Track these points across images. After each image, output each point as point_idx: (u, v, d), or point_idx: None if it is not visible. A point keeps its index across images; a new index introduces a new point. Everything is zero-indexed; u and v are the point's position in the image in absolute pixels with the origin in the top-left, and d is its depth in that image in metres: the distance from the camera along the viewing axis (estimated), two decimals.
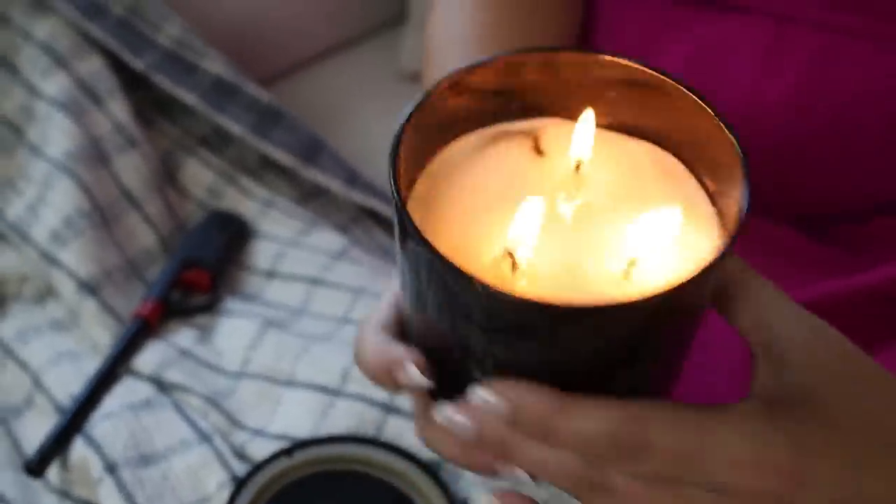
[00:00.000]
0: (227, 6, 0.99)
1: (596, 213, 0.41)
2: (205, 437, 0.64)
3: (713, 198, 0.41)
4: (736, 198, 0.38)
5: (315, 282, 0.76)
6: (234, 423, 0.66)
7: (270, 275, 0.77)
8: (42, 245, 0.74)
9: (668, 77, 0.40)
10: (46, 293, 0.75)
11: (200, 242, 0.78)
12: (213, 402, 0.67)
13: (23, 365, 0.70)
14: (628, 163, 0.42)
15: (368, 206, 0.82)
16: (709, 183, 0.41)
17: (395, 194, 0.37)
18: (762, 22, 0.62)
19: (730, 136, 0.39)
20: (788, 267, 0.64)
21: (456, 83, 0.41)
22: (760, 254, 0.65)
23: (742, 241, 0.67)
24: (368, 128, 0.99)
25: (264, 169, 0.85)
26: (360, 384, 0.66)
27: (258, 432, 0.65)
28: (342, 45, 1.07)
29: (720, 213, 0.40)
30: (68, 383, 0.68)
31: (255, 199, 0.82)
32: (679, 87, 0.40)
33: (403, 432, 0.64)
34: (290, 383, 0.68)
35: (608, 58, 0.41)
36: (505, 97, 0.42)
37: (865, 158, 0.64)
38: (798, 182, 0.66)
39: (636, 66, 0.41)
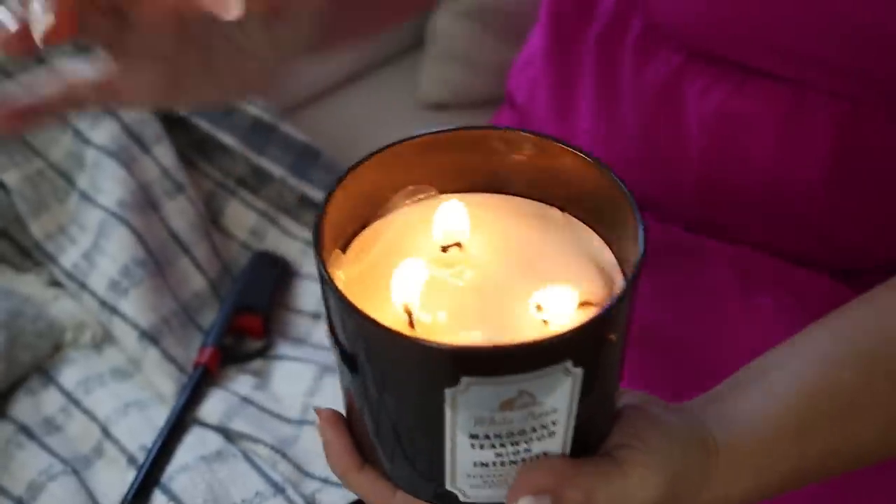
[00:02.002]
0: None
1: (492, 278, 0.45)
2: (278, 489, 0.67)
3: (617, 251, 0.46)
4: (636, 245, 0.41)
5: None
6: (302, 472, 0.69)
7: (317, 317, 0.80)
8: (100, 294, 0.76)
9: (564, 144, 0.45)
10: (104, 340, 0.77)
11: (250, 286, 0.80)
12: (280, 451, 0.70)
13: (90, 414, 0.72)
14: (527, 226, 0.47)
15: None
16: (612, 238, 0.46)
17: (319, 260, 0.41)
18: (782, 89, 0.65)
19: (619, 185, 0.43)
20: (824, 312, 0.68)
21: (374, 162, 0.46)
22: (798, 298, 0.69)
23: (778, 287, 0.70)
24: None
25: (302, 208, 0.87)
26: None
27: (326, 481, 0.69)
28: (360, 73, 1.09)
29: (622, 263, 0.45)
30: (138, 433, 0.70)
31: (296, 238, 0.85)
32: (570, 149, 0.45)
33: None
34: None
35: (515, 133, 0.46)
36: (431, 168, 0.47)
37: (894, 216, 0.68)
38: (829, 240, 0.70)
39: (540, 138, 0.46)
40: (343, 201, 0.44)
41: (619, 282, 0.45)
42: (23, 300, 0.77)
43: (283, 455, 0.70)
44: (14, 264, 0.81)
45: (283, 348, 0.77)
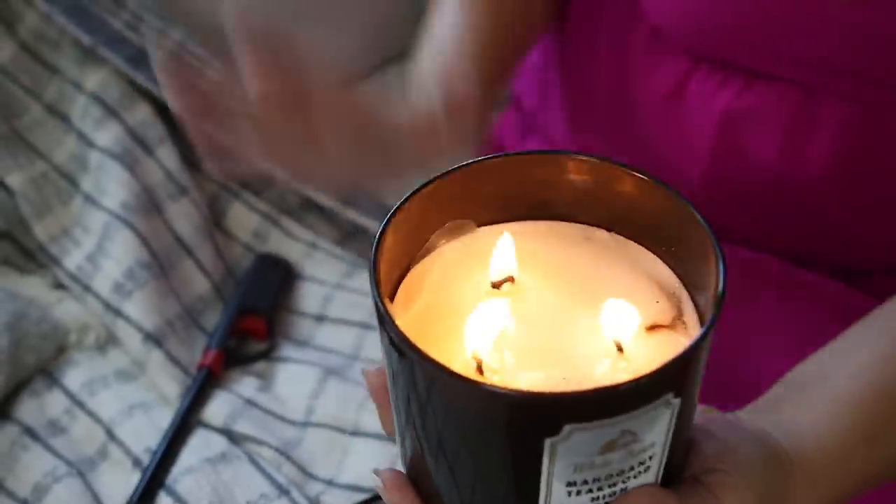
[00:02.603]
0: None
1: (549, 310, 0.43)
2: (283, 491, 0.67)
3: (687, 286, 0.43)
4: (712, 283, 0.39)
5: (366, 327, 0.79)
6: (306, 474, 0.70)
7: (320, 319, 0.81)
8: (105, 296, 0.76)
9: (635, 171, 0.43)
10: (108, 342, 0.77)
11: (253, 289, 0.80)
12: (284, 453, 0.70)
13: (94, 416, 0.72)
14: (576, 250, 0.45)
15: None
16: (668, 253, 0.44)
17: (380, 303, 0.38)
18: (789, 91, 0.65)
19: (702, 224, 0.40)
20: (830, 314, 0.67)
21: (429, 190, 0.42)
22: (805, 300, 0.69)
23: (783, 290, 0.70)
24: None
25: (305, 210, 0.87)
26: None
27: (330, 482, 0.69)
28: (362, 75, 1.09)
29: (695, 300, 0.43)
30: (142, 435, 0.71)
31: (298, 240, 0.85)
32: (648, 178, 0.42)
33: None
34: (355, 433, 0.71)
35: (556, 156, 0.44)
36: (471, 200, 0.45)
37: None
38: (834, 242, 0.70)
39: (605, 163, 0.43)
40: (389, 248, 0.41)
41: (685, 297, 0.42)
42: (27, 302, 0.77)
43: (288, 457, 0.70)
44: (18, 266, 0.81)
45: (287, 350, 0.78)
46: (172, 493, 0.66)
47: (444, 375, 0.36)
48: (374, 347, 0.78)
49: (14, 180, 0.81)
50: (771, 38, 0.64)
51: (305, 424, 0.72)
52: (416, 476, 0.43)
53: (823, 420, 0.49)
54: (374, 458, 0.69)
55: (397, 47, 1.12)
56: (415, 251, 0.44)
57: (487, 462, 0.39)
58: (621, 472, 0.39)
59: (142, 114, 0.83)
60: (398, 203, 0.41)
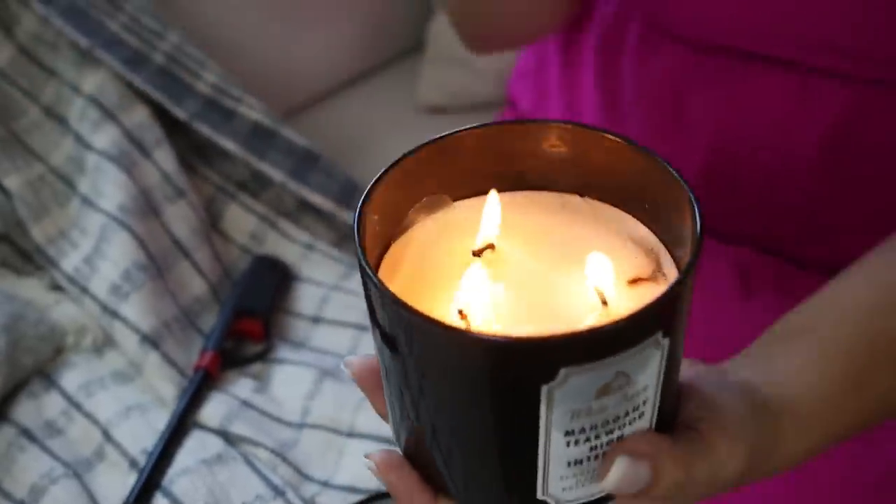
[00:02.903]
0: (243, 41, 1.02)
1: (532, 272, 0.43)
2: (278, 492, 0.67)
3: (665, 241, 0.44)
4: (689, 227, 0.40)
5: (361, 328, 0.79)
6: (302, 475, 0.70)
7: (316, 320, 0.81)
8: (102, 298, 0.76)
9: (606, 133, 0.43)
10: (105, 344, 0.77)
11: (250, 290, 0.81)
12: (280, 454, 0.70)
13: (91, 418, 0.72)
14: (552, 216, 0.46)
15: None
16: (643, 212, 0.44)
17: (361, 253, 0.39)
18: (789, 74, 0.66)
19: (673, 174, 0.41)
20: None
21: (404, 166, 0.43)
22: (795, 297, 0.70)
23: (777, 288, 0.71)
24: (385, 161, 1.02)
25: (302, 212, 0.88)
26: None
27: (325, 484, 0.69)
28: (360, 77, 1.10)
29: (673, 254, 0.44)
30: (139, 436, 0.71)
31: (295, 242, 0.86)
32: (619, 139, 0.43)
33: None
34: (351, 434, 0.72)
35: (551, 124, 0.45)
36: (445, 175, 0.45)
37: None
38: (828, 238, 0.70)
39: (576, 128, 0.44)
40: (371, 223, 0.42)
41: (662, 252, 0.43)
42: (24, 304, 0.77)
43: (284, 458, 0.70)
44: (15, 268, 0.81)
45: (283, 352, 0.78)
46: (168, 495, 0.67)
47: (437, 329, 0.36)
48: (370, 348, 0.78)
49: (11, 182, 0.81)
50: (771, 17, 0.64)
51: (301, 425, 0.73)
52: (412, 450, 0.43)
53: (811, 368, 0.49)
54: None
55: (398, 47, 1.12)
56: (394, 228, 0.44)
57: (484, 420, 0.39)
58: (617, 419, 0.39)
59: (139, 116, 0.83)
60: (375, 178, 0.42)
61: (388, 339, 0.39)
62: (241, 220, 0.86)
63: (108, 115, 0.82)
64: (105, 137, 0.82)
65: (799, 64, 0.65)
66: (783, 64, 0.66)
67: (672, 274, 0.43)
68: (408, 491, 0.43)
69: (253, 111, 0.88)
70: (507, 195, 0.46)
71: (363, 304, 0.79)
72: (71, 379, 0.75)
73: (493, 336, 0.37)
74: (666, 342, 0.38)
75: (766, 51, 0.66)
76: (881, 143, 0.66)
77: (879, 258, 0.55)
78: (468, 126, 0.44)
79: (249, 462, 0.69)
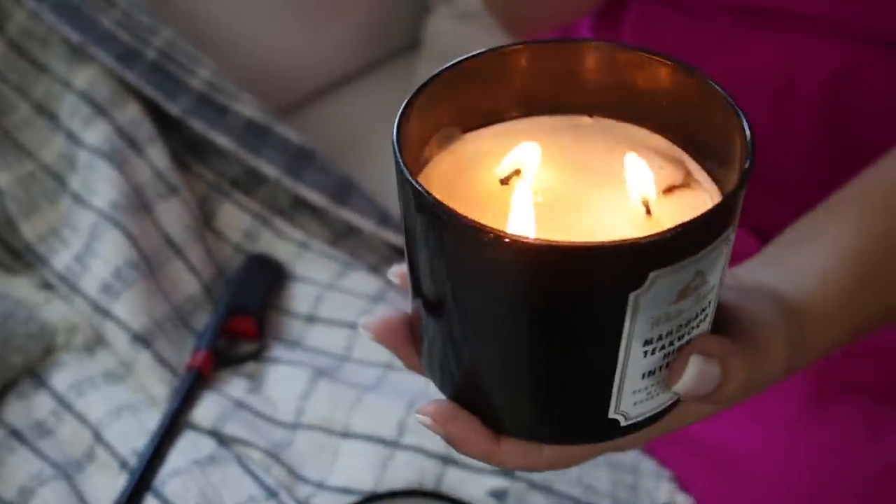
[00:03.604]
0: (238, 38, 1.01)
1: (564, 193, 0.42)
2: (271, 493, 0.66)
3: (690, 151, 0.43)
4: (736, 131, 0.39)
5: (356, 327, 0.78)
6: (296, 476, 0.69)
7: (311, 319, 0.80)
8: (93, 296, 0.75)
9: (654, 54, 0.42)
10: (96, 343, 0.76)
11: (243, 289, 0.80)
12: (273, 455, 0.69)
13: (81, 418, 0.71)
14: (567, 138, 0.45)
15: (401, 245, 0.84)
16: (716, 167, 0.43)
17: (403, 165, 0.37)
18: (786, 35, 0.65)
19: (725, 98, 0.40)
20: None
21: (452, 72, 0.42)
22: None
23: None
24: (382, 159, 1.01)
25: (296, 210, 0.86)
26: (417, 436, 0.69)
27: (320, 485, 0.68)
28: (356, 75, 1.09)
29: (700, 162, 0.43)
30: (130, 437, 0.70)
31: (289, 241, 0.84)
32: (666, 61, 0.42)
33: (462, 483, 0.67)
34: (345, 434, 0.70)
35: (598, 43, 0.44)
36: (499, 88, 0.44)
37: None
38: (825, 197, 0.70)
39: (646, 54, 0.43)
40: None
41: (688, 159, 0.43)
42: (14, 303, 0.76)
43: (277, 459, 0.69)
44: (5, 266, 0.80)
45: (277, 351, 0.77)
46: (160, 496, 0.66)
47: (516, 243, 0.34)
48: (364, 348, 0.77)
49: (1, 179, 0.80)
50: None
51: (295, 426, 0.71)
52: (465, 394, 0.41)
53: (828, 267, 0.50)
54: (365, 460, 0.68)
55: (394, 45, 1.11)
56: (413, 165, 0.42)
57: (560, 341, 0.38)
58: (688, 322, 0.38)
59: (131, 112, 0.82)
60: (399, 114, 0.41)
61: (438, 268, 0.37)
62: (234, 217, 0.85)
63: (100, 111, 0.81)
64: (97, 134, 0.80)
65: (795, 19, 0.65)
66: (780, 23, 0.65)
67: (703, 179, 0.42)
68: (471, 439, 0.41)
69: (247, 108, 0.87)
70: (515, 122, 0.45)
71: (358, 303, 0.80)
72: (61, 378, 0.74)
73: (583, 244, 0.34)
74: (732, 237, 0.37)
75: (764, 3, 0.65)
76: (879, 104, 0.66)
77: (887, 164, 0.55)
78: (463, 57, 0.43)
79: (242, 463, 0.68)
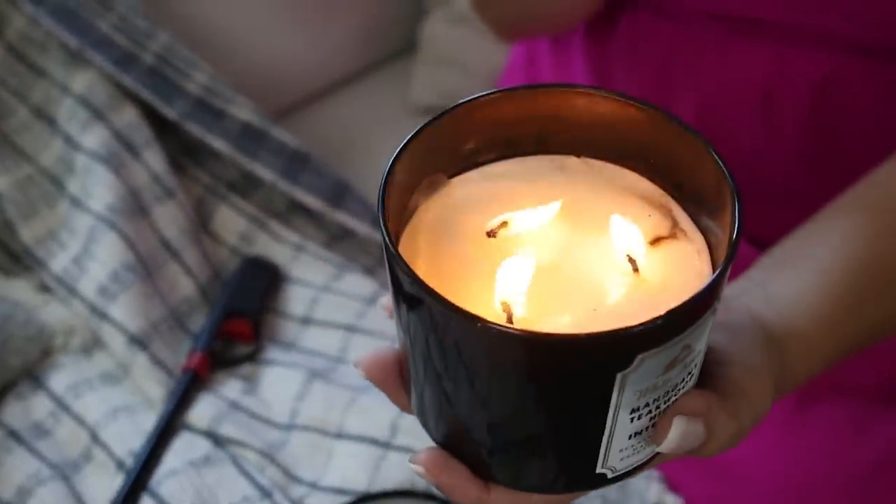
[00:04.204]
0: (234, 42, 1.01)
1: (548, 248, 0.42)
2: (266, 493, 0.67)
3: (707, 235, 0.43)
4: (726, 223, 0.40)
5: (351, 329, 0.79)
6: (290, 476, 0.69)
7: (306, 321, 0.81)
8: (90, 299, 0.76)
9: (658, 111, 0.42)
10: (93, 345, 0.77)
11: (239, 291, 0.80)
12: (268, 455, 0.70)
13: (78, 419, 0.72)
14: (552, 181, 0.44)
15: None
16: (702, 216, 0.43)
17: (390, 243, 0.38)
18: (770, 43, 0.66)
19: (717, 160, 0.40)
20: None
21: (412, 148, 0.42)
22: None
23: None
24: (378, 162, 1.01)
25: (292, 213, 0.87)
26: (410, 436, 0.70)
27: (314, 485, 0.69)
28: (352, 78, 1.09)
29: (710, 243, 0.43)
30: (127, 438, 0.71)
31: (285, 243, 0.85)
32: (669, 120, 0.42)
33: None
34: (339, 435, 0.71)
35: (600, 93, 0.44)
36: (483, 131, 0.44)
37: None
38: (811, 205, 0.70)
39: (627, 101, 0.43)
40: (390, 211, 0.40)
41: (673, 205, 0.43)
42: (12, 305, 0.77)
43: (272, 460, 0.70)
44: (4, 269, 0.81)
45: (273, 353, 0.78)
46: (156, 496, 0.66)
47: (506, 334, 0.35)
48: (359, 350, 0.78)
49: (0, 183, 0.81)
50: None
51: (290, 427, 0.72)
52: (453, 441, 0.42)
53: (812, 292, 0.50)
54: (359, 460, 0.69)
55: (391, 47, 1.12)
56: (401, 216, 0.43)
57: (548, 411, 0.39)
58: (675, 387, 0.39)
59: (128, 116, 0.83)
60: (386, 172, 0.40)
61: (429, 341, 0.38)
62: (231, 220, 0.86)
63: (98, 115, 0.82)
64: (94, 138, 0.81)
65: (778, 28, 0.65)
66: (764, 32, 0.66)
67: (689, 228, 0.42)
68: (462, 486, 0.42)
69: (243, 112, 0.87)
70: (501, 164, 0.45)
71: (353, 305, 0.80)
72: (59, 380, 0.75)
73: (572, 336, 0.35)
74: (718, 306, 0.38)
75: (747, 12, 0.66)
76: (866, 112, 0.66)
77: (873, 185, 0.55)
78: (456, 104, 0.43)
79: (237, 463, 0.69)
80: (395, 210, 0.41)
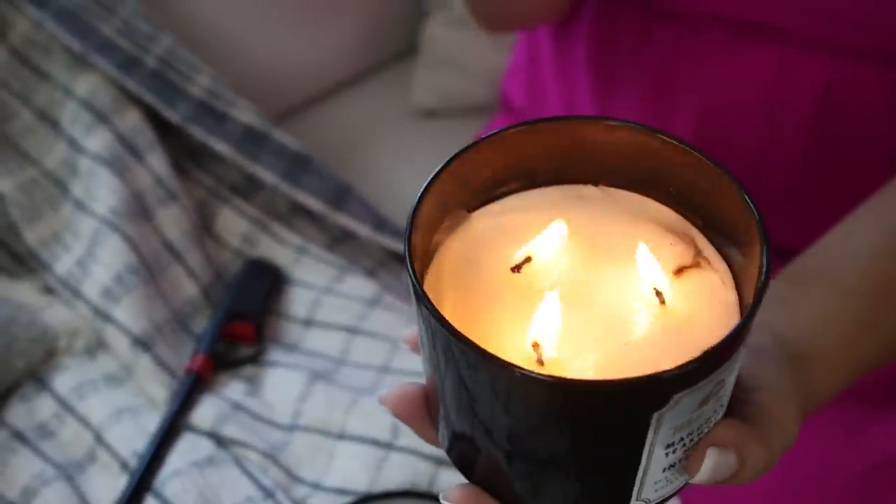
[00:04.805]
0: (236, 44, 1.02)
1: (571, 282, 0.42)
2: (268, 494, 0.68)
3: (730, 263, 0.43)
4: (752, 255, 0.40)
5: (352, 331, 0.80)
6: (293, 477, 0.70)
7: (308, 323, 0.81)
8: (94, 301, 0.77)
9: (683, 143, 0.42)
10: (97, 347, 0.78)
11: (242, 293, 0.81)
12: (271, 456, 0.71)
13: (83, 420, 0.73)
14: (570, 211, 0.44)
15: (398, 250, 0.86)
16: (725, 244, 0.43)
17: (417, 285, 0.38)
18: (774, 47, 0.66)
19: (747, 201, 0.40)
20: None
21: (438, 183, 0.42)
22: None
23: None
24: (378, 164, 1.02)
25: (294, 215, 0.88)
26: (411, 437, 0.70)
27: (316, 486, 0.69)
28: (353, 80, 1.10)
29: (734, 271, 0.43)
30: (131, 439, 0.71)
31: (287, 245, 0.86)
32: (695, 153, 0.42)
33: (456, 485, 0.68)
34: (341, 436, 0.72)
35: (623, 125, 0.43)
36: (503, 163, 0.44)
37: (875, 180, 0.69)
38: (807, 229, 0.71)
39: (652, 133, 0.43)
40: (415, 251, 0.40)
41: (695, 234, 0.43)
42: (17, 307, 0.78)
43: (274, 460, 0.70)
44: (8, 271, 0.81)
45: (275, 355, 0.78)
46: (159, 497, 0.67)
47: (539, 381, 0.36)
48: (361, 352, 0.79)
49: (4, 185, 0.82)
50: None
51: (292, 428, 0.73)
52: (483, 475, 0.42)
53: (831, 311, 0.51)
54: (361, 461, 0.70)
55: (391, 49, 1.12)
56: (424, 254, 0.43)
57: (583, 451, 0.39)
58: (708, 419, 0.40)
59: (132, 119, 0.84)
60: (416, 203, 0.41)
61: (460, 382, 0.38)
62: (233, 223, 0.86)
63: (101, 118, 0.83)
64: (98, 141, 0.82)
65: (783, 33, 0.66)
66: (768, 35, 0.66)
67: (713, 256, 0.42)
68: None
69: (245, 114, 0.88)
70: (521, 196, 0.45)
71: (355, 307, 0.81)
72: (63, 381, 0.75)
73: (609, 382, 0.36)
74: (748, 339, 0.39)
75: (752, 17, 0.66)
76: (871, 117, 0.66)
77: (888, 201, 0.56)
78: (479, 139, 0.43)
79: (240, 464, 0.70)
80: (420, 248, 0.41)
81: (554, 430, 0.38)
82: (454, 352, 0.37)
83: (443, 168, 0.42)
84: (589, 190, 0.45)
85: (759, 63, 0.67)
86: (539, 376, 0.36)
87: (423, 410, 0.43)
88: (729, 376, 0.39)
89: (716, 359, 0.37)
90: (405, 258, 0.39)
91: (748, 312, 0.38)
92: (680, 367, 0.36)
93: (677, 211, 0.44)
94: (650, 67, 0.72)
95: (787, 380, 0.45)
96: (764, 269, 0.38)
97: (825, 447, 0.66)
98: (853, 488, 0.65)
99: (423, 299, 0.37)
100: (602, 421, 0.38)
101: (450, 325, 0.37)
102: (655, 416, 0.37)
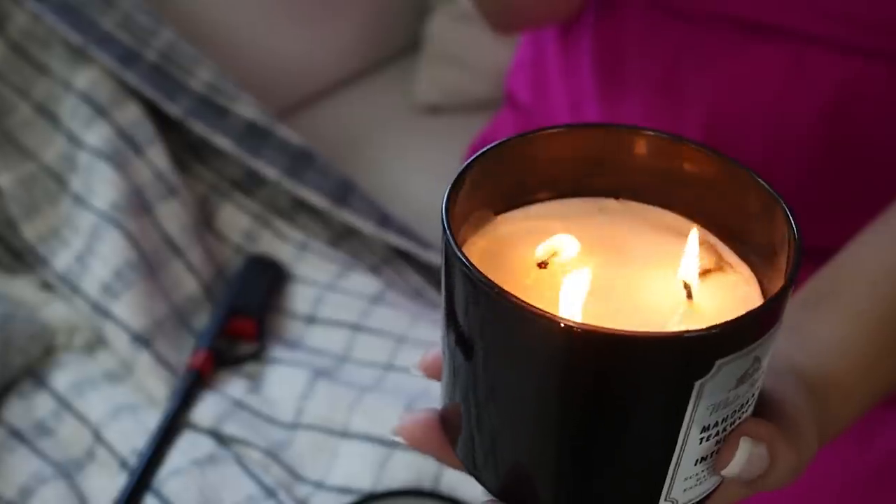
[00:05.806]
0: (238, 40, 1.01)
1: (599, 277, 0.42)
2: (270, 493, 0.67)
3: (718, 234, 0.44)
4: (777, 262, 0.40)
5: (356, 328, 0.79)
6: (295, 476, 0.69)
7: (311, 320, 0.80)
8: (93, 297, 0.76)
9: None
10: (96, 343, 0.77)
11: (243, 289, 0.80)
12: (273, 454, 0.69)
13: (82, 418, 0.72)
14: (594, 222, 0.45)
15: (402, 247, 0.85)
16: (748, 252, 0.43)
17: (454, 245, 0.37)
18: (786, 46, 0.65)
19: (733, 163, 0.41)
20: None
21: (467, 179, 0.42)
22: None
23: None
24: (382, 160, 1.01)
25: (297, 211, 0.87)
26: None
27: (319, 485, 0.68)
28: (356, 76, 1.09)
29: (730, 245, 0.43)
30: (130, 436, 0.70)
31: (289, 241, 0.85)
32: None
33: (459, 483, 0.67)
34: (345, 434, 0.71)
35: (650, 133, 0.44)
36: (528, 170, 0.44)
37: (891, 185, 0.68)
38: (819, 221, 0.70)
39: (676, 142, 0.43)
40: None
41: (718, 242, 0.43)
42: (15, 303, 0.77)
43: (276, 459, 0.69)
44: (6, 267, 0.81)
45: (277, 351, 0.77)
46: (159, 496, 0.66)
47: (589, 332, 0.34)
48: (364, 349, 0.78)
49: (3, 180, 0.81)
50: None
51: (294, 426, 0.72)
52: (516, 485, 0.41)
53: (845, 337, 0.50)
54: (364, 460, 0.69)
55: (395, 46, 1.12)
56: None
57: (625, 429, 0.37)
58: (741, 407, 0.39)
59: (131, 113, 0.83)
60: (448, 192, 0.40)
61: (496, 364, 0.37)
62: (234, 218, 0.85)
63: (101, 112, 0.82)
64: (97, 135, 0.81)
65: (796, 34, 0.65)
66: (780, 35, 0.65)
67: (735, 262, 0.42)
68: None
69: (247, 109, 0.87)
70: (545, 205, 0.45)
71: (357, 304, 0.80)
72: (61, 379, 0.74)
73: (658, 334, 0.35)
74: (781, 322, 0.38)
75: (764, 18, 0.65)
76: (879, 118, 0.65)
77: None
78: (495, 143, 0.43)
79: (241, 462, 0.69)
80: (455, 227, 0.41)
81: (593, 401, 0.37)
82: (498, 313, 0.36)
83: (474, 160, 0.42)
84: (610, 203, 0.45)
85: (770, 63, 0.66)
86: (590, 327, 0.34)
87: (439, 433, 0.42)
88: (764, 358, 0.38)
89: (756, 324, 0.36)
90: (442, 223, 0.38)
91: (788, 279, 0.37)
92: (722, 327, 0.35)
93: (699, 222, 0.44)
94: (657, 66, 0.71)
95: (807, 408, 0.44)
96: (796, 242, 0.38)
97: (833, 448, 0.65)
98: (860, 493, 0.64)
99: (467, 266, 0.36)
100: (645, 385, 0.36)
101: (493, 283, 0.36)
102: (697, 384, 0.36)
